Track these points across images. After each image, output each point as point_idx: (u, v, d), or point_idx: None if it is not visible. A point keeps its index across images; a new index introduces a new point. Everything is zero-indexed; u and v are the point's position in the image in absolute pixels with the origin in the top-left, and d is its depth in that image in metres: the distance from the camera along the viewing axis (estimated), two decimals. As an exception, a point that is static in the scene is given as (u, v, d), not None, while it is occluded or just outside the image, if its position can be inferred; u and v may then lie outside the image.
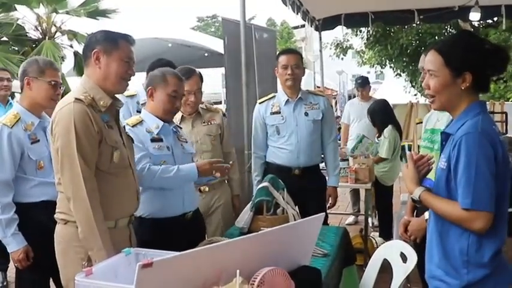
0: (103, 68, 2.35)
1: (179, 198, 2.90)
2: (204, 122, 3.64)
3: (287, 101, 3.89)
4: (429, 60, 1.99)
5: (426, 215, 2.25)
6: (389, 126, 5.52)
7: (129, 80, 2.48)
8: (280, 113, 3.90)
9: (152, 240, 2.46)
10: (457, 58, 1.94)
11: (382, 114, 5.65)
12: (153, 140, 2.88)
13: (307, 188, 3.74)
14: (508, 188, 1.95)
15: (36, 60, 3.06)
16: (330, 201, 4.06)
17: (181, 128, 3.22)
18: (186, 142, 3.09)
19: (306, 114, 3.85)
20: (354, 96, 7.65)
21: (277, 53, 4.20)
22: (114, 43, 2.37)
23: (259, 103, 4.06)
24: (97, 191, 2.23)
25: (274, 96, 4.01)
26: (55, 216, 2.37)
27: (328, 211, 4.07)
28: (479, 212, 1.84)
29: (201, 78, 3.57)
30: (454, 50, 1.96)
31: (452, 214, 1.91)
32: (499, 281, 1.96)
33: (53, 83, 3.00)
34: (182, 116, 3.59)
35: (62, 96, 3.30)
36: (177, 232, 2.79)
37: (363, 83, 6.68)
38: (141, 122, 2.92)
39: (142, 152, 2.80)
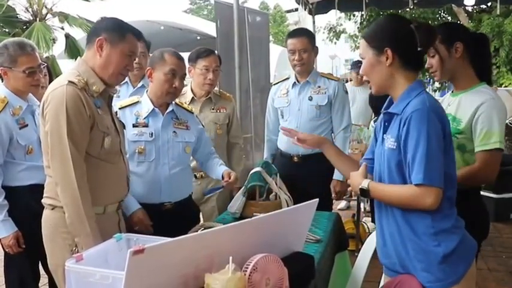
0: (104, 57, 2.28)
1: (156, 187, 2.81)
2: (213, 109, 3.58)
3: (294, 84, 3.76)
4: (360, 48, 2.12)
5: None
6: None
7: (127, 75, 2.44)
8: (287, 95, 3.78)
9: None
10: (376, 37, 2.02)
11: (382, 98, 5.62)
12: (135, 125, 2.81)
13: (307, 176, 3.56)
14: (453, 168, 2.00)
15: (6, 48, 2.90)
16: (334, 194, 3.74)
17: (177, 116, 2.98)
18: (187, 129, 2.95)
19: (310, 98, 3.69)
20: (347, 81, 7.61)
21: (287, 34, 4.00)
22: (122, 35, 2.30)
23: (274, 84, 3.96)
24: (86, 177, 2.18)
25: (288, 78, 3.86)
26: (42, 201, 2.33)
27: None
28: (430, 188, 1.85)
29: (219, 59, 3.57)
30: (374, 31, 2.06)
31: (402, 194, 1.92)
32: (467, 244, 2.00)
33: (27, 71, 2.88)
34: (193, 97, 3.54)
35: (49, 76, 3.26)
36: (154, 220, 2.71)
37: None
38: (135, 103, 2.87)
39: None
